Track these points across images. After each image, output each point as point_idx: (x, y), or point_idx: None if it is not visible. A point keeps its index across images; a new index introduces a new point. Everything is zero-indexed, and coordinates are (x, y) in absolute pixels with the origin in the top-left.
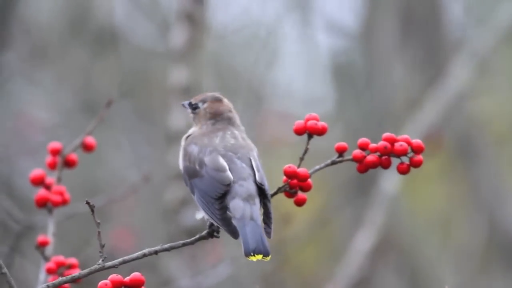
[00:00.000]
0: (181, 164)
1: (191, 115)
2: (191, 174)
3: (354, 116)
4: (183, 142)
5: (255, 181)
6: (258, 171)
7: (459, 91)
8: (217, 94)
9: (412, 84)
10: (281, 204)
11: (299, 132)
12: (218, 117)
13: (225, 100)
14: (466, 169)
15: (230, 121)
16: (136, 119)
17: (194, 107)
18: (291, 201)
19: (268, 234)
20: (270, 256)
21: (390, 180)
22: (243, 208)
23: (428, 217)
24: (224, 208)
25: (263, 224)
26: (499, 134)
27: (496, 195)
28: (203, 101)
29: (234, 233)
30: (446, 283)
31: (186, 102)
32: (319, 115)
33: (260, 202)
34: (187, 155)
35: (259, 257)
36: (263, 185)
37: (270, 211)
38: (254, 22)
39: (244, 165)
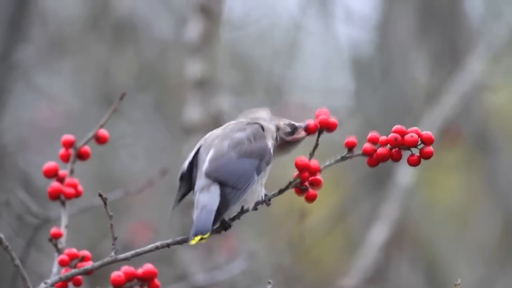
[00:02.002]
0: None
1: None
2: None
3: (371, 109)
4: None
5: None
6: (213, 159)
7: (476, 84)
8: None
9: (430, 77)
10: (296, 198)
11: (311, 131)
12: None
13: (261, 111)
14: (483, 162)
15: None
16: (153, 112)
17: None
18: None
19: (218, 214)
20: (207, 234)
21: (405, 173)
22: (196, 199)
23: (445, 210)
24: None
25: None
26: None
27: None
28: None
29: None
30: (462, 276)
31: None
32: (337, 107)
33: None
34: None
35: (197, 238)
36: (211, 173)
37: (228, 197)
38: (273, 14)
39: (204, 156)
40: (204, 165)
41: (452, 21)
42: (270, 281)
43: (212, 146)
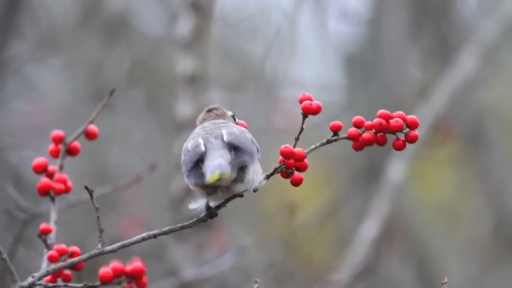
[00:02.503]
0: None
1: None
2: (181, 164)
3: (363, 105)
4: None
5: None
6: (230, 135)
7: (467, 81)
8: (212, 106)
9: (422, 73)
10: (286, 195)
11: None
12: (206, 119)
13: (219, 108)
14: (475, 158)
15: (216, 117)
16: (145, 107)
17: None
18: (297, 191)
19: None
20: (228, 173)
21: (396, 169)
22: (213, 158)
23: (436, 206)
24: (198, 167)
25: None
26: (509, 123)
27: (505, 185)
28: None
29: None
30: (453, 272)
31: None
32: (329, 103)
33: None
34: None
35: (216, 176)
36: (232, 141)
37: (242, 156)
38: (265, 9)
39: (218, 141)
40: (224, 136)
41: (444, 17)
42: (257, 280)
43: (219, 133)
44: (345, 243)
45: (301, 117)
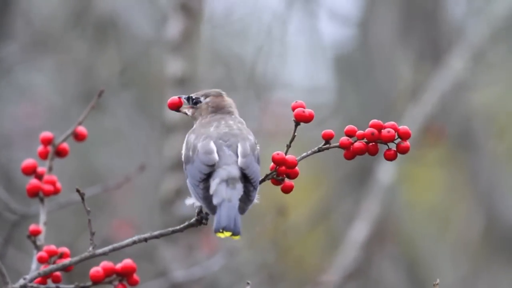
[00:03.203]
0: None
1: (190, 109)
2: (186, 160)
3: (354, 107)
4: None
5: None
6: (244, 157)
7: (457, 83)
8: (219, 90)
9: (413, 75)
10: (277, 196)
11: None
12: (219, 111)
13: (226, 96)
14: (465, 160)
15: (229, 114)
16: (134, 109)
17: (195, 102)
18: (288, 194)
19: (241, 209)
20: (239, 236)
21: (387, 171)
22: (222, 189)
23: (426, 207)
24: (206, 188)
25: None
26: (498, 125)
27: (495, 187)
28: (206, 96)
29: (213, 209)
30: (444, 273)
31: (184, 96)
32: (320, 105)
33: (244, 187)
34: (186, 144)
35: (228, 234)
36: (244, 169)
37: (251, 194)
38: (255, 11)
39: (231, 152)
40: (239, 159)
41: (434, 19)
42: (249, 282)
43: (234, 143)
44: (336, 245)
45: (291, 118)
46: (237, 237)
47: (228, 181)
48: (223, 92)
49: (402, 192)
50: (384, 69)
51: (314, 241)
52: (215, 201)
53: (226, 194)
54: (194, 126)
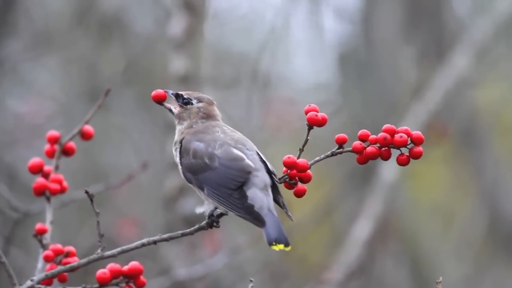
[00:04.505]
0: (180, 162)
1: (178, 108)
2: (198, 170)
3: (357, 104)
4: (176, 144)
5: (268, 171)
6: (268, 161)
7: (461, 79)
8: (211, 98)
9: (416, 72)
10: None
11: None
12: (210, 119)
13: (216, 106)
14: (469, 157)
15: (219, 121)
16: (138, 107)
17: (185, 102)
18: (291, 191)
19: (290, 218)
20: (290, 247)
21: (389, 168)
22: (261, 198)
23: (430, 205)
24: (243, 198)
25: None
26: (502, 123)
27: (499, 184)
28: (199, 100)
29: (259, 220)
30: (447, 271)
31: (171, 92)
32: (323, 102)
33: (272, 191)
34: (189, 152)
35: (281, 246)
36: (276, 175)
37: (283, 200)
38: (258, 9)
39: (255, 156)
40: (268, 164)
41: (438, 16)
42: (252, 279)
43: (252, 148)
44: (339, 243)
45: (295, 116)
46: (288, 248)
47: (264, 189)
48: (215, 102)
49: (405, 190)
50: (388, 66)
51: (318, 239)
52: (259, 211)
53: (268, 203)
54: (186, 131)
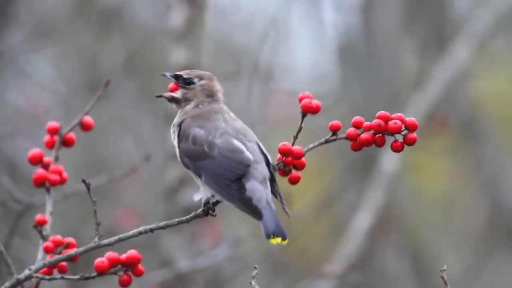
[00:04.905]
0: (178, 146)
1: (180, 91)
2: (197, 156)
3: (357, 95)
4: (175, 127)
5: (267, 164)
6: (268, 154)
7: (461, 72)
8: (210, 73)
9: (417, 64)
10: (281, 186)
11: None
12: (214, 97)
13: (216, 81)
14: (470, 149)
15: (222, 102)
16: (138, 98)
17: (187, 82)
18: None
19: (287, 214)
20: (287, 240)
21: (391, 160)
22: (260, 191)
23: (431, 196)
24: (242, 190)
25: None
26: (503, 114)
27: (499, 175)
28: (200, 78)
29: (256, 213)
30: (448, 263)
31: (169, 73)
32: (323, 93)
33: (270, 184)
34: (188, 137)
35: (278, 240)
36: (275, 169)
37: (280, 193)
38: (258, 0)
39: (255, 147)
40: (268, 156)
41: (439, 7)
42: (256, 266)
43: (252, 139)
44: (340, 234)
45: (296, 108)
46: (285, 242)
47: (263, 181)
48: (215, 76)
49: (406, 181)
50: (388, 57)
51: (318, 230)
52: (257, 204)
53: (266, 196)
54: (188, 114)
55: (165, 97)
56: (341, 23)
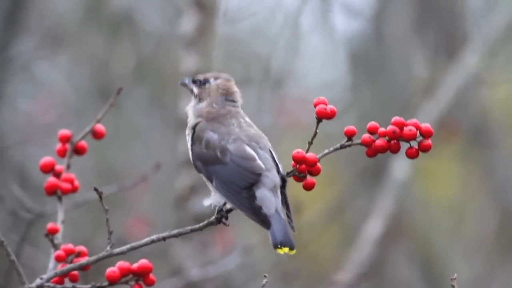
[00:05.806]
0: (191, 149)
1: (196, 90)
2: (209, 161)
3: (368, 102)
4: (189, 129)
5: (278, 172)
6: (280, 162)
7: (472, 77)
8: (228, 75)
9: (428, 70)
10: (292, 192)
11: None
12: (229, 96)
13: (235, 84)
14: (481, 156)
15: (238, 105)
16: (149, 105)
17: (203, 82)
18: (303, 190)
19: (292, 228)
20: (295, 250)
21: (401, 167)
22: (270, 199)
23: (441, 204)
24: (252, 198)
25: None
26: None
27: (510, 182)
28: (215, 78)
29: (265, 222)
30: (459, 271)
31: (186, 79)
32: (334, 99)
33: (281, 193)
34: (202, 141)
35: (286, 250)
36: (286, 177)
37: (288, 204)
38: (270, 6)
39: (267, 155)
40: (280, 166)
41: (450, 13)
42: (266, 275)
43: (264, 146)
44: (350, 242)
45: (306, 113)
46: (293, 252)
47: (273, 189)
48: (232, 78)
49: (417, 188)
50: (399, 64)
51: (329, 237)
52: (267, 212)
53: (276, 205)
54: (203, 116)
55: (187, 87)
56: (352, 29)
